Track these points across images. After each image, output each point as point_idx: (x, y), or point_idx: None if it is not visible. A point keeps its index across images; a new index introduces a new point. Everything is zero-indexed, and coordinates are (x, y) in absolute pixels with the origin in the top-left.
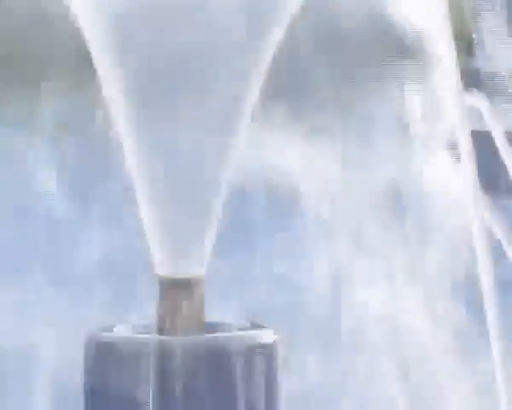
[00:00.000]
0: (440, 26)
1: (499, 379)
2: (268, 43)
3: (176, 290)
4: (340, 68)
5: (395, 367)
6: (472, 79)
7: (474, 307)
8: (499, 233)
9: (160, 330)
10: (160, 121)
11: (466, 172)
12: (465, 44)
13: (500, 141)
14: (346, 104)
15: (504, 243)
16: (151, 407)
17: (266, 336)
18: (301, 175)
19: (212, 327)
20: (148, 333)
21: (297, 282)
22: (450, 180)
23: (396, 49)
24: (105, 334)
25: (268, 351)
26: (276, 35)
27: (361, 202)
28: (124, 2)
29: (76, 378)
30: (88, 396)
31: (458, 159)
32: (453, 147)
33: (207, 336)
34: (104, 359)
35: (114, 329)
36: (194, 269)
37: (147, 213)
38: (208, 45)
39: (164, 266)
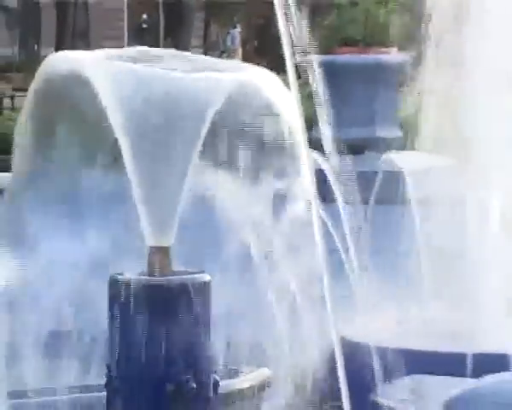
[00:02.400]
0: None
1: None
2: (208, 116)
3: (156, 253)
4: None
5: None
6: None
7: None
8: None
9: (150, 274)
10: (150, 157)
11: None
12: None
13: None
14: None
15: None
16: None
17: (203, 277)
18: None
19: (175, 273)
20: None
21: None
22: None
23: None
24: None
25: (204, 288)
26: (213, 110)
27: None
28: (129, 97)
29: None
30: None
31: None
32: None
33: (167, 277)
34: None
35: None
36: (166, 241)
37: (141, 210)
38: (173, 119)
39: (150, 239)
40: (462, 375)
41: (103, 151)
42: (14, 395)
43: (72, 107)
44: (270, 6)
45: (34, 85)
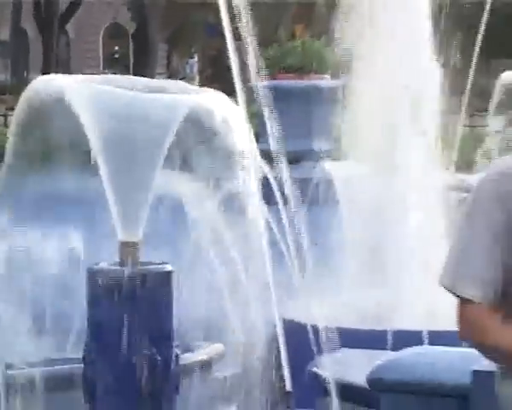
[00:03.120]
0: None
1: None
2: (170, 130)
3: (126, 246)
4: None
5: None
6: None
7: None
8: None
9: (121, 264)
10: (121, 165)
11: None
12: None
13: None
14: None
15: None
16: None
17: (166, 267)
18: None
19: (142, 264)
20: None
21: None
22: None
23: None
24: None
25: (167, 276)
26: (175, 125)
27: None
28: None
29: None
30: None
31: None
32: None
33: (135, 268)
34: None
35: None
36: (135, 237)
37: (114, 210)
38: (140, 133)
39: (121, 234)
40: (384, 348)
41: (80, 159)
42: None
43: (53, 122)
44: (222, 40)
45: (21, 104)
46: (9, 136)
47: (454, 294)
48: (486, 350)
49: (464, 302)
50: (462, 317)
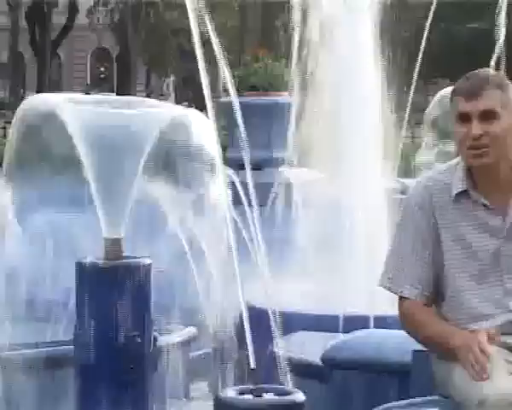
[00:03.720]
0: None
1: None
2: (149, 140)
3: (112, 243)
4: None
5: None
6: None
7: None
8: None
9: (107, 258)
10: (105, 172)
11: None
12: None
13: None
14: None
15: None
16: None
17: (145, 260)
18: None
19: (124, 258)
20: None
21: None
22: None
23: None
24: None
25: (146, 269)
26: (153, 136)
27: None
28: (89, 128)
29: None
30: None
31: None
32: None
33: (118, 261)
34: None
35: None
36: (118, 234)
37: (100, 212)
38: (122, 143)
39: (106, 232)
40: (335, 331)
41: (68, 165)
42: None
43: (45, 134)
44: (195, 63)
45: (16, 121)
46: (7, 144)
47: (391, 292)
48: (418, 340)
49: (402, 300)
50: (401, 312)
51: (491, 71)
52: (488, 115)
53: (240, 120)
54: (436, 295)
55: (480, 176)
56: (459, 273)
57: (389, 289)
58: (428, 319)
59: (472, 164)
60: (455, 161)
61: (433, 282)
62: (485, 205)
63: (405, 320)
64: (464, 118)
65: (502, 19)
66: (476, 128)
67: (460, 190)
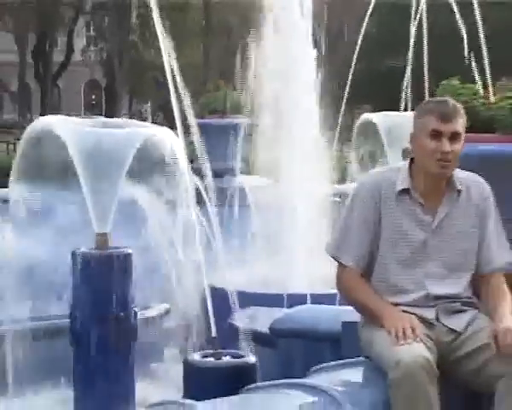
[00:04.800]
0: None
1: None
2: (130, 153)
3: (101, 236)
4: None
5: None
6: None
7: None
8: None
9: (96, 248)
10: (96, 180)
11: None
12: None
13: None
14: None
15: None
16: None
17: (127, 250)
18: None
19: (110, 248)
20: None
21: None
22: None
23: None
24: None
25: (128, 257)
26: (134, 149)
27: None
28: (83, 144)
29: None
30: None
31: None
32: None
33: (105, 251)
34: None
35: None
36: (105, 229)
37: (91, 211)
38: (109, 155)
39: (96, 227)
40: (281, 306)
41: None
42: None
43: (47, 149)
44: (168, 92)
45: (24, 138)
46: (15, 158)
47: (335, 260)
48: (351, 303)
49: (341, 267)
50: (339, 278)
51: (453, 101)
52: (455, 137)
53: (203, 138)
54: (369, 268)
55: (421, 180)
56: (391, 254)
57: (333, 256)
58: (362, 288)
59: (436, 172)
60: (401, 164)
61: (368, 257)
62: (420, 203)
63: (342, 285)
64: (436, 135)
65: (409, 58)
66: (446, 146)
67: (403, 188)
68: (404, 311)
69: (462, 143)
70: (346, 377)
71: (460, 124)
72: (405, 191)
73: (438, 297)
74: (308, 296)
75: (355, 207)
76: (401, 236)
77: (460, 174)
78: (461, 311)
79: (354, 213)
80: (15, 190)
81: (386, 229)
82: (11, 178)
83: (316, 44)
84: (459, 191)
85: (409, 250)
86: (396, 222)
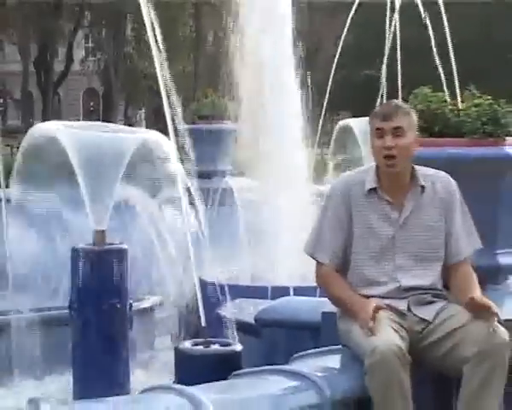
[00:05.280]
0: None
1: None
2: (126, 155)
3: (98, 233)
4: None
5: None
6: None
7: None
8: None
9: (95, 245)
10: (93, 180)
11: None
12: None
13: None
14: None
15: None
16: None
17: (123, 246)
18: None
19: (107, 244)
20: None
21: None
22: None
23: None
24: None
25: (124, 252)
26: (130, 151)
27: None
28: (81, 147)
29: None
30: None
31: None
32: None
33: (103, 247)
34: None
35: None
36: (103, 226)
37: (89, 210)
38: (106, 157)
39: (94, 225)
40: (265, 298)
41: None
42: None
43: (47, 152)
44: (161, 99)
45: (24, 142)
46: (17, 158)
47: (313, 258)
48: (328, 297)
49: (319, 264)
50: (317, 275)
51: (400, 102)
52: (398, 132)
53: (193, 142)
54: (344, 263)
55: (386, 179)
56: (363, 250)
57: (311, 254)
58: (337, 283)
59: (385, 171)
60: (369, 165)
61: (342, 254)
62: (388, 201)
63: (320, 281)
64: (380, 133)
65: (383, 69)
66: (388, 141)
67: (371, 187)
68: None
69: (411, 139)
70: (325, 363)
71: (403, 121)
72: (373, 191)
73: (409, 289)
74: (291, 289)
75: (328, 209)
76: (371, 232)
77: (426, 171)
78: (431, 302)
79: (328, 214)
80: (16, 189)
81: (358, 227)
82: (12, 179)
83: (299, 61)
84: (423, 187)
85: (379, 245)
86: (366, 220)
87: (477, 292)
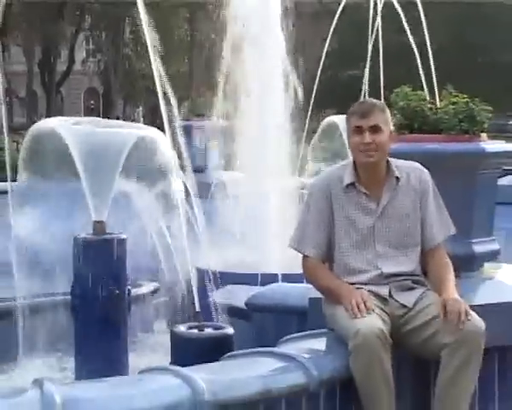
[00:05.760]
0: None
1: None
2: (125, 149)
3: (98, 224)
4: None
5: None
6: None
7: None
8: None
9: (94, 234)
10: (93, 173)
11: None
12: None
13: None
14: None
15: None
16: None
17: (122, 235)
18: None
19: (107, 233)
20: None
21: None
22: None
23: None
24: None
25: (123, 242)
26: (128, 146)
27: None
28: (81, 142)
29: None
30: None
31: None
32: None
33: (102, 236)
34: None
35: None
36: (102, 217)
37: (89, 202)
38: (105, 152)
39: (94, 215)
40: (255, 284)
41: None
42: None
43: (50, 147)
44: (157, 98)
45: (27, 137)
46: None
47: (298, 252)
48: (316, 287)
49: (305, 258)
50: (303, 266)
51: (375, 100)
52: (375, 129)
53: (187, 138)
54: (328, 255)
55: (363, 173)
56: (344, 240)
57: (296, 249)
58: (323, 273)
59: (363, 162)
60: (346, 161)
61: (326, 246)
62: (365, 194)
63: (307, 272)
64: (358, 130)
65: (366, 70)
66: (366, 137)
67: (349, 182)
68: (359, 288)
69: (387, 135)
70: (311, 346)
71: (379, 118)
72: (352, 185)
73: (390, 275)
74: (279, 276)
75: (310, 205)
76: (352, 224)
77: (400, 163)
78: (411, 288)
79: (310, 210)
80: (20, 181)
81: (339, 219)
82: (18, 171)
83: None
84: (398, 178)
85: (359, 235)
86: (346, 212)
87: (451, 284)
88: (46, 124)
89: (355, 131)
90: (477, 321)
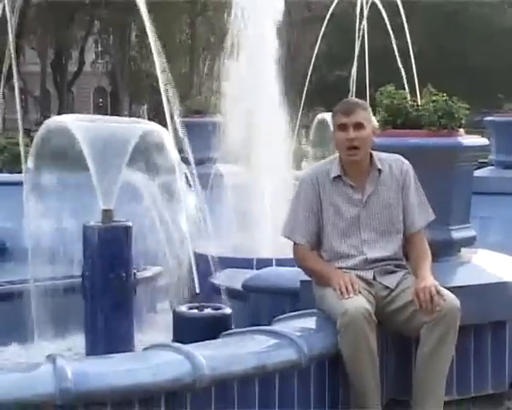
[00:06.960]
0: None
1: None
2: (130, 143)
3: (106, 212)
4: None
5: None
6: None
7: None
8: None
9: (103, 222)
10: (102, 165)
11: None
12: None
13: None
14: None
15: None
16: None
17: (128, 223)
18: None
19: (114, 221)
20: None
21: None
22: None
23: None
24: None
25: (128, 229)
26: (134, 141)
27: None
28: (91, 137)
29: None
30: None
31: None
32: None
33: (109, 224)
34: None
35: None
36: (109, 206)
37: (98, 191)
38: (112, 146)
39: (102, 204)
40: (251, 268)
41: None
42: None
43: (61, 141)
44: (161, 96)
45: (40, 131)
46: (31, 149)
47: (290, 240)
48: (306, 272)
49: (295, 245)
50: (294, 253)
51: (357, 99)
52: (358, 126)
53: (188, 133)
54: (317, 242)
55: (348, 167)
56: (333, 229)
57: (287, 237)
58: (313, 259)
59: (348, 160)
60: (333, 156)
61: (315, 234)
62: (351, 185)
63: (298, 259)
64: (343, 127)
65: (353, 71)
66: (350, 134)
67: (335, 175)
68: (346, 273)
69: (369, 131)
70: (303, 324)
71: (361, 115)
72: (338, 178)
73: (374, 260)
74: (273, 260)
75: (300, 196)
76: (339, 213)
77: (382, 156)
78: (393, 271)
79: (300, 201)
80: (31, 173)
81: (326, 209)
82: (29, 164)
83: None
84: (380, 170)
85: (346, 224)
86: (333, 203)
87: (427, 270)
88: (58, 120)
89: (340, 128)
90: (452, 299)
